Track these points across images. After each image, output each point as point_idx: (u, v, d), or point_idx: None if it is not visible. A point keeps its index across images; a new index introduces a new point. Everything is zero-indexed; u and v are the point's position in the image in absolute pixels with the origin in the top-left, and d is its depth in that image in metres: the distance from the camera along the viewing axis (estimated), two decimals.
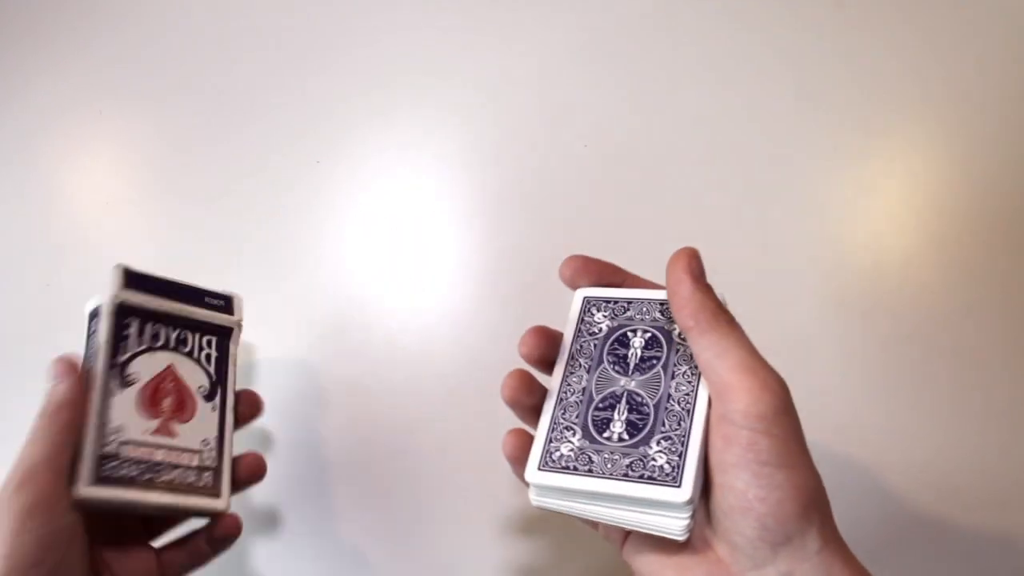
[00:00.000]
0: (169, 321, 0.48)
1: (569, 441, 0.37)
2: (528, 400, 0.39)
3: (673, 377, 0.37)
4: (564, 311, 0.42)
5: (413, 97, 0.69)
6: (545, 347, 0.41)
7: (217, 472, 0.47)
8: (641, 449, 0.35)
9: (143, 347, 0.46)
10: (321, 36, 0.73)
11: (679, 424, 0.36)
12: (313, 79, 0.71)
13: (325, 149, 0.69)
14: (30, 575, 0.38)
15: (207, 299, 0.50)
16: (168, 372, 0.47)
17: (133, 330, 0.46)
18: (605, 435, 0.37)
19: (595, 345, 0.40)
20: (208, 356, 0.49)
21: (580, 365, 0.39)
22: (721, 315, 0.35)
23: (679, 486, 0.34)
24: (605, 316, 0.40)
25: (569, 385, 0.39)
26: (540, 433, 0.38)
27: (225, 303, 0.51)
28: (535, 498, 0.37)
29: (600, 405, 0.38)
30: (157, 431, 0.45)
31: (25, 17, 0.79)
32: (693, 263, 0.36)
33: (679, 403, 0.36)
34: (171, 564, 0.47)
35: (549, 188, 0.65)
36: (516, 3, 0.71)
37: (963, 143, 0.62)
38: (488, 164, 0.67)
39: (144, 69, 0.75)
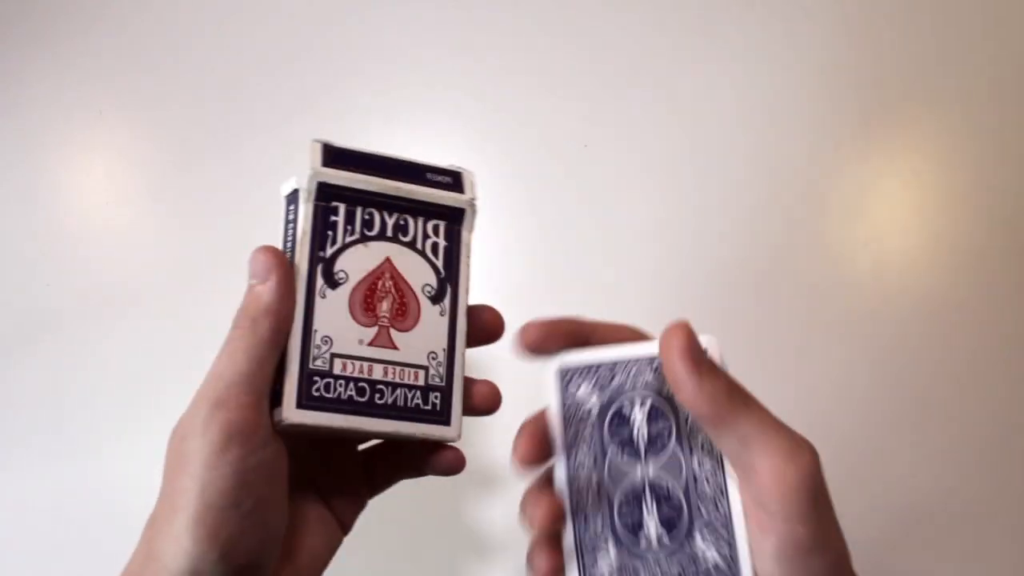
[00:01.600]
0: (384, 203, 0.37)
1: (606, 556, 0.33)
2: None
3: (692, 453, 0.33)
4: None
5: (416, 97, 0.69)
6: (545, 448, 0.34)
7: (447, 393, 0.37)
8: (688, 549, 0.32)
9: (353, 238, 0.37)
10: (322, 36, 0.73)
11: (717, 507, 0.32)
12: (314, 79, 0.71)
13: None
14: (226, 516, 0.32)
15: (429, 175, 0.39)
16: (385, 267, 0.37)
17: (340, 216, 0.37)
18: (642, 540, 0.33)
19: (591, 429, 0.34)
20: (435, 246, 0.38)
21: (583, 460, 0.34)
22: (735, 397, 0.31)
23: None
24: (590, 390, 0.34)
25: (579, 488, 0.34)
26: (570, 560, 0.33)
27: (453, 180, 0.40)
28: None
29: (623, 504, 0.33)
30: (374, 342, 0.36)
31: (25, 17, 0.79)
32: (688, 348, 0.31)
33: (708, 483, 0.33)
34: (377, 479, 0.40)
35: (550, 187, 0.65)
36: (516, 4, 0.71)
37: (963, 143, 0.62)
38: (490, 163, 0.67)
39: (144, 69, 0.75)
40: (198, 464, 0.32)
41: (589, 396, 0.34)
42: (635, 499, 0.33)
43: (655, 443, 0.34)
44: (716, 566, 0.32)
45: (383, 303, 0.37)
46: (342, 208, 0.37)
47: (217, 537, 0.32)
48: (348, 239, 0.37)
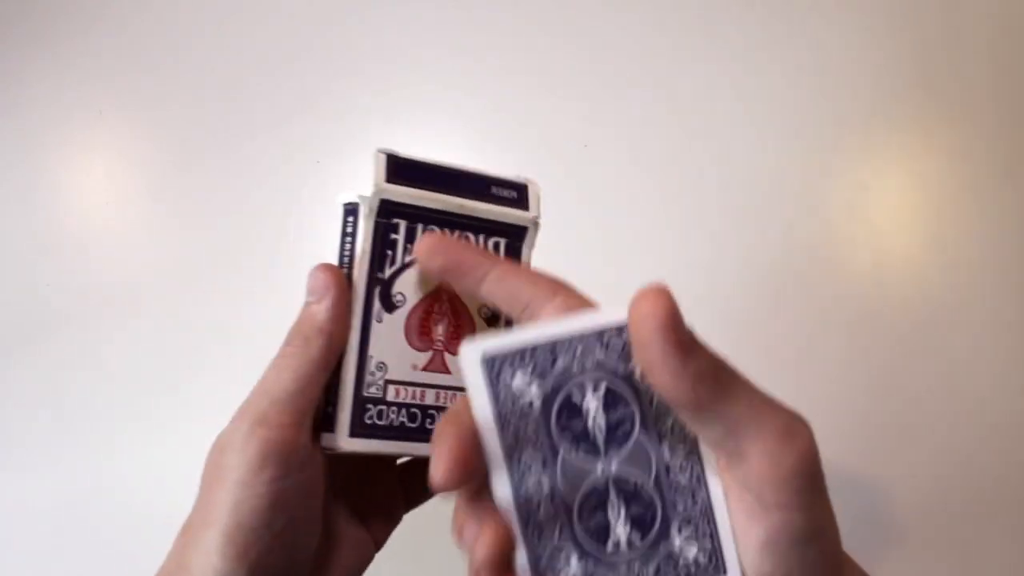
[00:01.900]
0: (446, 220, 0.36)
1: (566, 568, 0.28)
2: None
3: (661, 440, 0.29)
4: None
5: (416, 97, 0.69)
6: (473, 459, 0.28)
7: None
8: (664, 549, 0.28)
9: (412, 258, 0.35)
10: (322, 36, 0.73)
11: (694, 498, 0.29)
12: (314, 78, 0.71)
13: (326, 148, 0.69)
14: (256, 536, 0.31)
15: (494, 189, 0.38)
16: (443, 290, 0.36)
17: (401, 235, 0.35)
18: (610, 546, 0.28)
19: (535, 427, 0.28)
20: None
21: (528, 465, 0.28)
22: (723, 377, 0.26)
23: (726, 574, 0.28)
24: (528, 378, 0.28)
25: (528, 499, 0.28)
26: (522, 574, 0.28)
27: (517, 194, 0.38)
28: None
29: (584, 509, 0.28)
30: (428, 366, 0.35)
31: (24, 16, 0.79)
32: (670, 320, 0.25)
33: (682, 471, 0.29)
34: (414, 497, 0.39)
35: (551, 187, 0.65)
36: (518, 4, 0.71)
37: (964, 142, 0.62)
38: (489, 164, 0.67)
39: (144, 69, 0.75)
40: (234, 480, 0.31)
41: (527, 386, 0.29)
42: (598, 501, 0.29)
43: (615, 434, 0.29)
44: (697, 562, 0.28)
45: (439, 327, 0.36)
46: (403, 225, 0.35)
47: (246, 556, 0.31)
48: (407, 259, 0.35)
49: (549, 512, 0.28)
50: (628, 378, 0.29)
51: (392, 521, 0.39)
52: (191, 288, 0.65)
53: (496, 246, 0.37)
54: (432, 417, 0.35)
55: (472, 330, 0.36)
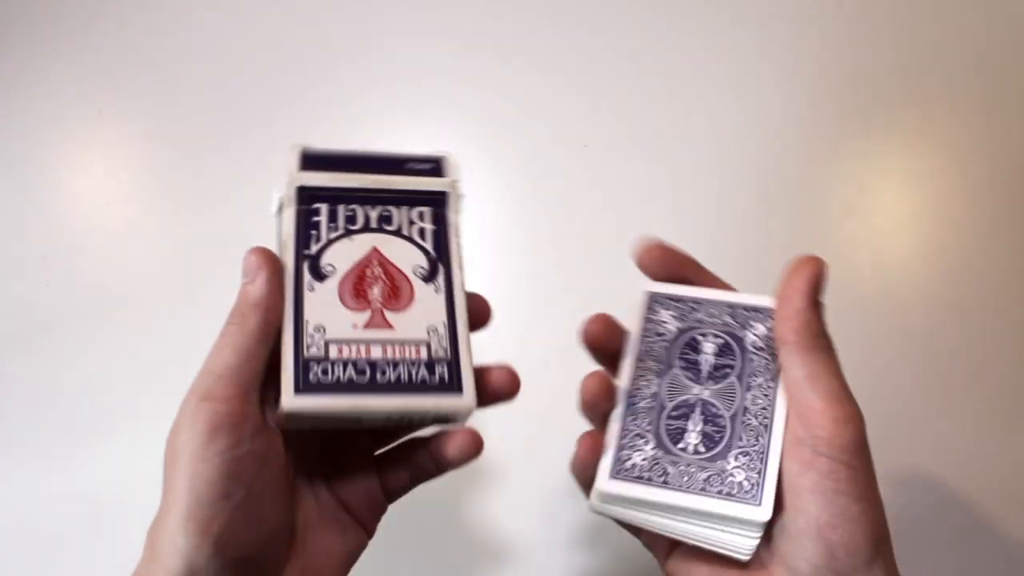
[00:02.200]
0: (365, 198, 0.38)
1: (641, 450, 0.35)
2: (606, 406, 0.37)
3: (749, 389, 0.36)
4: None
5: (416, 98, 0.69)
6: (607, 337, 0.38)
7: (453, 363, 0.36)
8: (719, 463, 0.35)
9: (337, 233, 0.37)
10: (321, 35, 0.73)
11: (757, 440, 0.35)
12: (314, 78, 0.71)
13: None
14: (216, 509, 0.31)
15: (409, 165, 0.40)
16: (372, 256, 0.37)
17: (323, 216, 0.37)
18: (680, 446, 0.35)
19: (664, 347, 0.38)
20: (422, 230, 0.38)
21: (649, 368, 0.37)
22: (823, 338, 0.34)
23: (759, 505, 0.33)
24: (673, 316, 0.38)
25: (639, 389, 0.37)
26: (610, 440, 0.36)
27: (434, 165, 0.40)
28: (598, 504, 0.36)
29: (673, 413, 0.36)
30: (368, 324, 0.36)
31: (24, 15, 0.79)
32: (815, 278, 0.34)
33: (756, 417, 0.35)
34: (391, 482, 0.39)
35: (551, 187, 0.65)
36: (518, 3, 0.71)
37: (963, 142, 0.62)
38: (492, 163, 0.67)
39: (144, 68, 0.75)
40: (187, 457, 0.32)
41: (670, 321, 0.38)
42: (685, 412, 0.36)
43: (717, 372, 0.37)
44: (740, 484, 0.34)
45: (373, 288, 0.37)
46: (324, 208, 0.37)
47: (209, 531, 0.31)
48: (332, 235, 0.37)
49: (648, 405, 0.37)
50: (740, 341, 0.37)
51: (375, 508, 0.39)
52: (191, 288, 0.65)
53: (421, 215, 0.39)
54: (383, 371, 0.35)
55: (409, 288, 0.37)
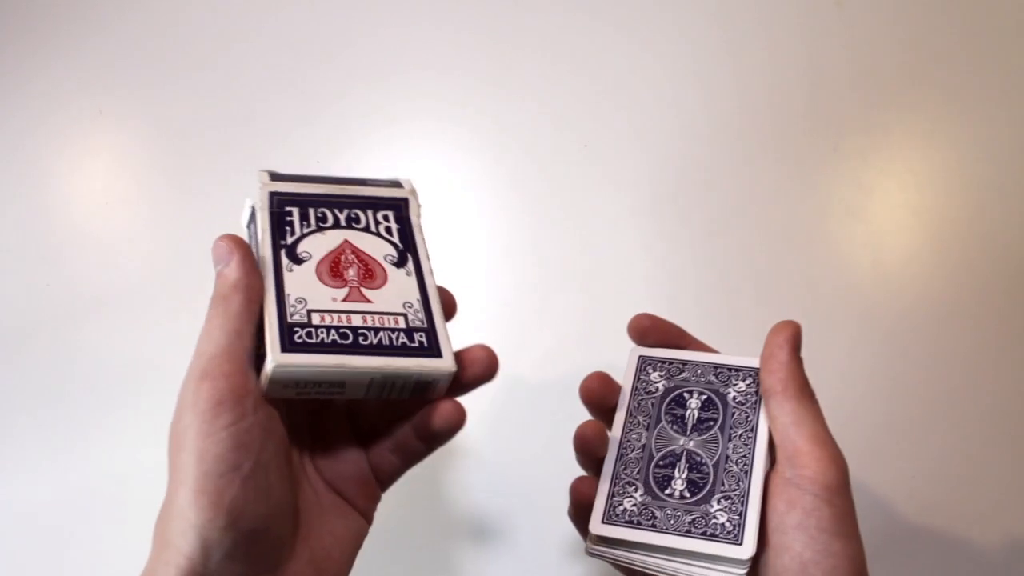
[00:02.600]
0: (334, 203, 0.41)
1: (631, 496, 0.39)
2: (599, 452, 0.41)
3: (730, 439, 0.40)
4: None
5: (415, 95, 0.69)
6: (603, 394, 0.42)
7: (431, 332, 0.38)
8: (703, 507, 0.38)
9: (311, 229, 0.39)
10: (321, 34, 0.73)
11: (738, 485, 0.38)
12: (313, 77, 0.71)
13: (325, 148, 0.69)
14: (226, 481, 0.32)
15: (369, 182, 0.43)
16: (344, 246, 0.40)
17: (295, 217, 0.40)
18: (667, 492, 0.39)
19: (652, 404, 0.42)
20: (388, 228, 0.41)
21: (639, 422, 0.41)
22: (807, 388, 0.38)
23: (740, 544, 0.36)
24: (661, 376, 0.42)
25: (629, 441, 0.41)
26: (603, 487, 0.40)
27: (393, 182, 0.43)
28: (592, 547, 0.39)
29: (660, 463, 0.40)
30: (347, 299, 0.37)
31: (24, 14, 0.79)
32: (795, 337, 0.39)
33: (737, 464, 0.38)
34: (382, 467, 0.40)
35: (552, 186, 0.65)
36: (518, 4, 0.71)
37: (963, 142, 0.62)
38: (492, 162, 0.67)
39: (144, 66, 0.75)
40: (193, 436, 0.32)
41: (658, 380, 0.42)
42: (671, 461, 0.40)
43: (701, 425, 0.40)
44: (723, 525, 0.37)
45: (349, 270, 0.39)
46: (296, 211, 0.40)
47: (221, 503, 0.31)
48: (305, 231, 0.39)
49: (637, 455, 0.40)
50: (723, 398, 0.41)
51: (369, 494, 0.40)
52: (191, 287, 0.64)
53: (386, 217, 0.41)
54: (364, 335, 0.36)
55: (383, 271, 0.39)
